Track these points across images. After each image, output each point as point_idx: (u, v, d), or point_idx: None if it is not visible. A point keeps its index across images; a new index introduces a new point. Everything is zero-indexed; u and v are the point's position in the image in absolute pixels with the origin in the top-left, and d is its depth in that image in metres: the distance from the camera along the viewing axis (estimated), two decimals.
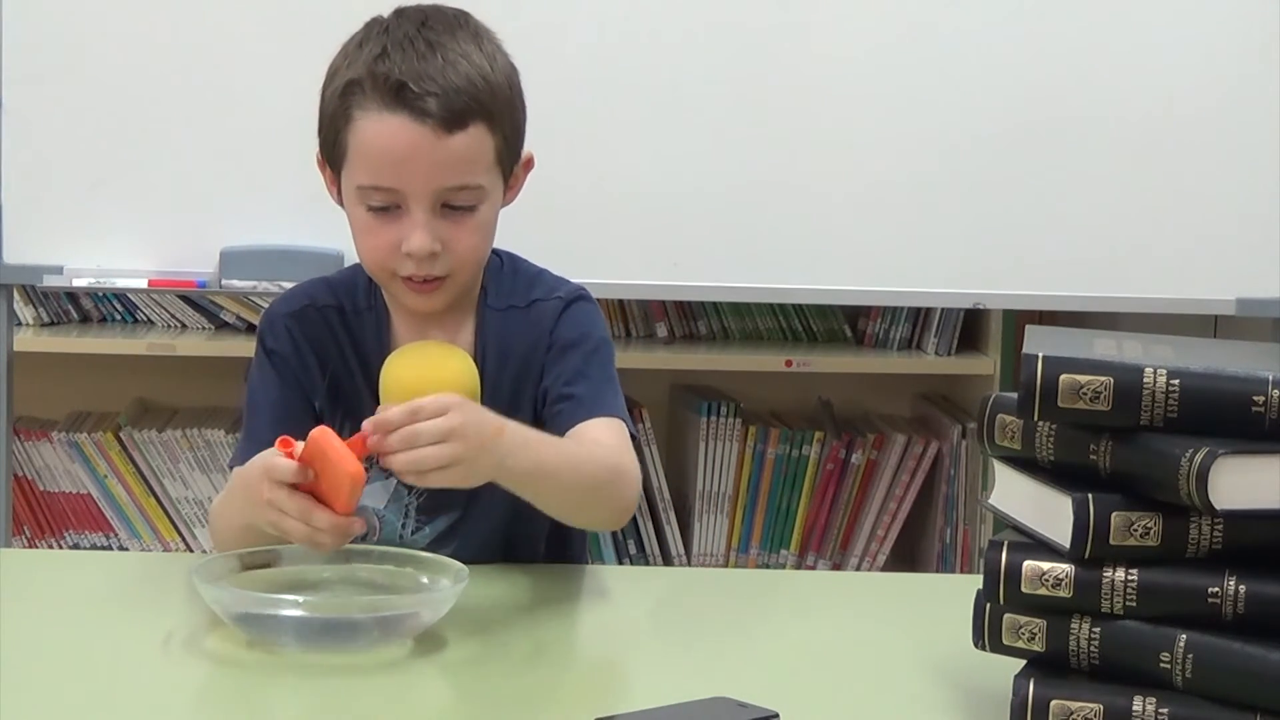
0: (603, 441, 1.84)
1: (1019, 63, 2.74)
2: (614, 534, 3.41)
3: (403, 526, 1.93)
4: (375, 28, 1.86)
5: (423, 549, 1.91)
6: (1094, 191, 2.76)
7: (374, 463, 1.68)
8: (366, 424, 1.64)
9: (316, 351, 1.93)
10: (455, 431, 1.62)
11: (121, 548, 3.38)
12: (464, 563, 1.81)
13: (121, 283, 2.77)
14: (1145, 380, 1.32)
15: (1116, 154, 2.76)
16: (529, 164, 1.92)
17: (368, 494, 1.88)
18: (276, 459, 1.65)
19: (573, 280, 1.98)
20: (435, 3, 1.91)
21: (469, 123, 1.81)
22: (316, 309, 1.95)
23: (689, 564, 3.41)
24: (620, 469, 1.82)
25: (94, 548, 3.37)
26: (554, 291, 1.95)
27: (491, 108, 1.83)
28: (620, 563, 3.40)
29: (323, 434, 1.63)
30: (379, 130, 1.80)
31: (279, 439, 1.65)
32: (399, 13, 1.88)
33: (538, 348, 1.91)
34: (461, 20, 1.88)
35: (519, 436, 1.71)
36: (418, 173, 1.81)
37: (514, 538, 1.94)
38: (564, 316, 1.93)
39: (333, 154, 1.86)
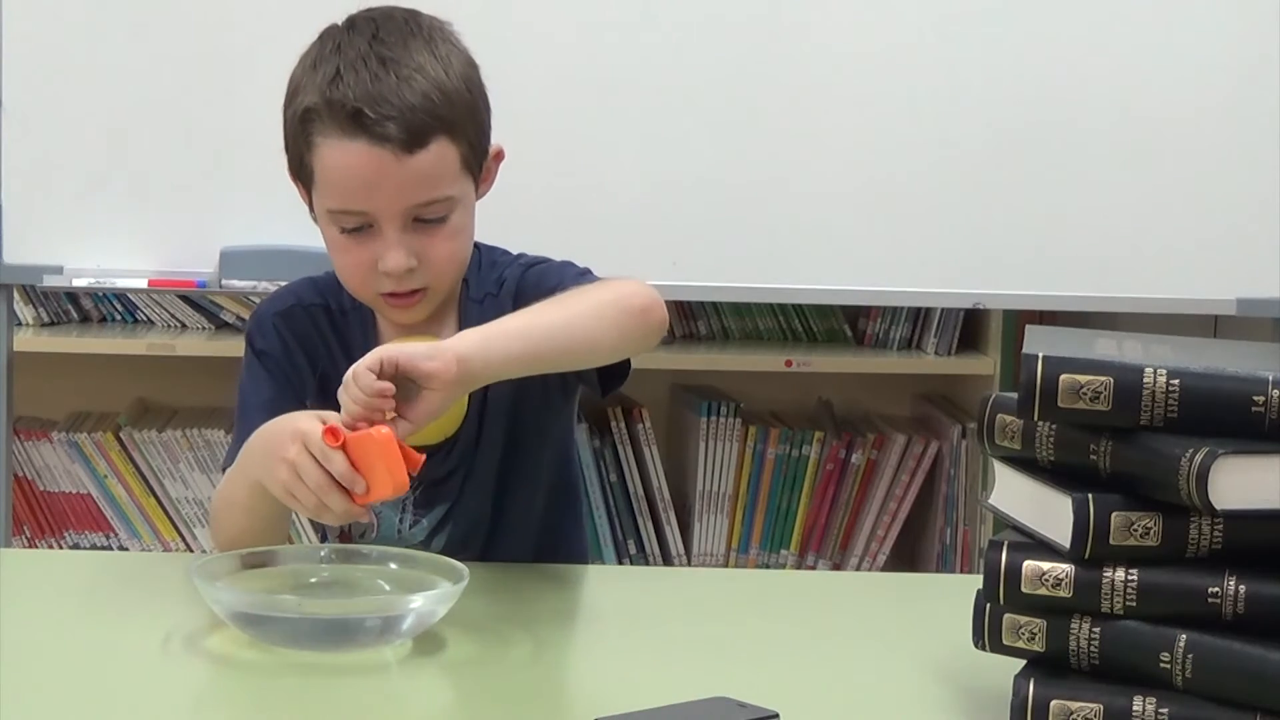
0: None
1: (1019, 63, 2.74)
2: (614, 534, 3.41)
3: (400, 521, 1.94)
4: (328, 44, 1.84)
5: (420, 540, 1.92)
6: (1094, 192, 2.76)
7: None
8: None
9: (306, 350, 1.93)
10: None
11: (121, 548, 3.38)
12: (457, 546, 1.81)
13: (121, 283, 2.77)
14: (1145, 380, 1.32)
15: (1117, 154, 2.76)
16: (499, 156, 1.92)
17: None
18: (316, 428, 1.64)
19: None
20: (386, 5, 1.90)
21: (429, 140, 1.80)
22: (304, 308, 1.95)
23: (689, 564, 3.41)
24: (615, 282, 1.79)
25: (94, 548, 3.38)
26: (516, 262, 1.95)
27: (451, 119, 1.82)
28: (620, 563, 3.40)
29: (389, 438, 1.63)
30: (341, 157, 1.80)
31: (326, 428, 1.64)
32: (351, 25, 1.86)
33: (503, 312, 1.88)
34: (413, 25, 1.86)
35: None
36: (384, 195, 1.80)
37: (502, 518, 1.94)
38: (524, 279, 1.91)
39: (300, 174, 1.87)
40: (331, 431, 1.63)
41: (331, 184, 1.82)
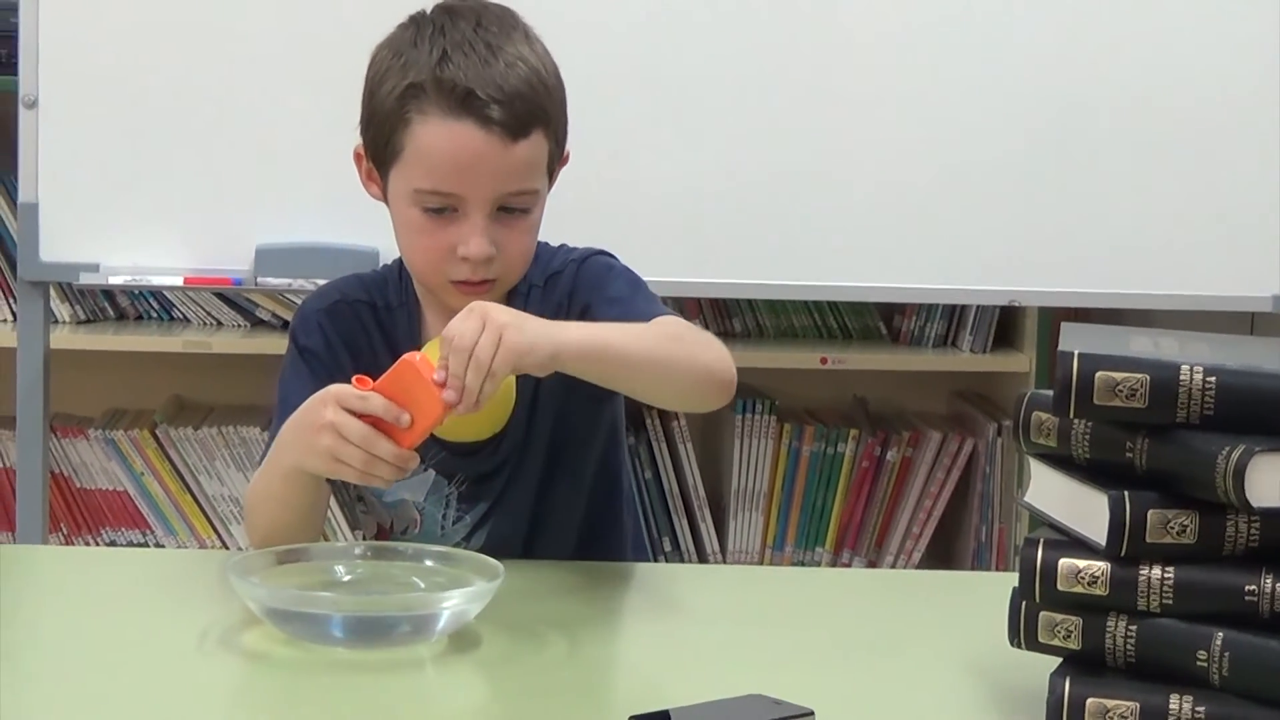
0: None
1: (1054, 58, 2.74)
2: (649, 532, 3.41)
3: (443, 517, 1.94)
4: (427, 27, 1.84)
5: (462, 537, 1.92)
6: (1129, 188, 2.75)
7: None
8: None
9: (349, 347, 1.93)
10: (475, 310, 1.64)
11: (157, 544, 3.39)
12: (497, 544, 1.81)
13: (157, 280, 2.78)
14: (1182, 377, 1.31)
15: (1151, 150, 2.75)
16: (565, 160, 1.92)
17: (407, 487, 1.89)
18: (346, 386, 1.65)
19: None
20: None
21: (531, 130, 1.81)
22: (349, 304, 1.95)
23: (724, 562, 3.41)
24: (688, 332, 1.79)
25: (130, 544, 3.39)
26: (568, 258, 1.94)
27: (549, 112, 1.84)
28: (655, 560, 3.40)
29: (415, 361, 1.63)
30: (443, 136, 1.80)
31: (356, 377, 1.65)
32: (449, 11, 1.86)
33: (559, 315, 1.86)
34: (511, 20, 1.87)
35: (568, 323, 1.73)
36: (481, 179, 1.80)
37: (545, 517, 1.94)
38: (580, 275, 1.91)
39: (383, 153, 1.85)
40: (360, 380, 1.64)
41: (426, 162, 1.82)
